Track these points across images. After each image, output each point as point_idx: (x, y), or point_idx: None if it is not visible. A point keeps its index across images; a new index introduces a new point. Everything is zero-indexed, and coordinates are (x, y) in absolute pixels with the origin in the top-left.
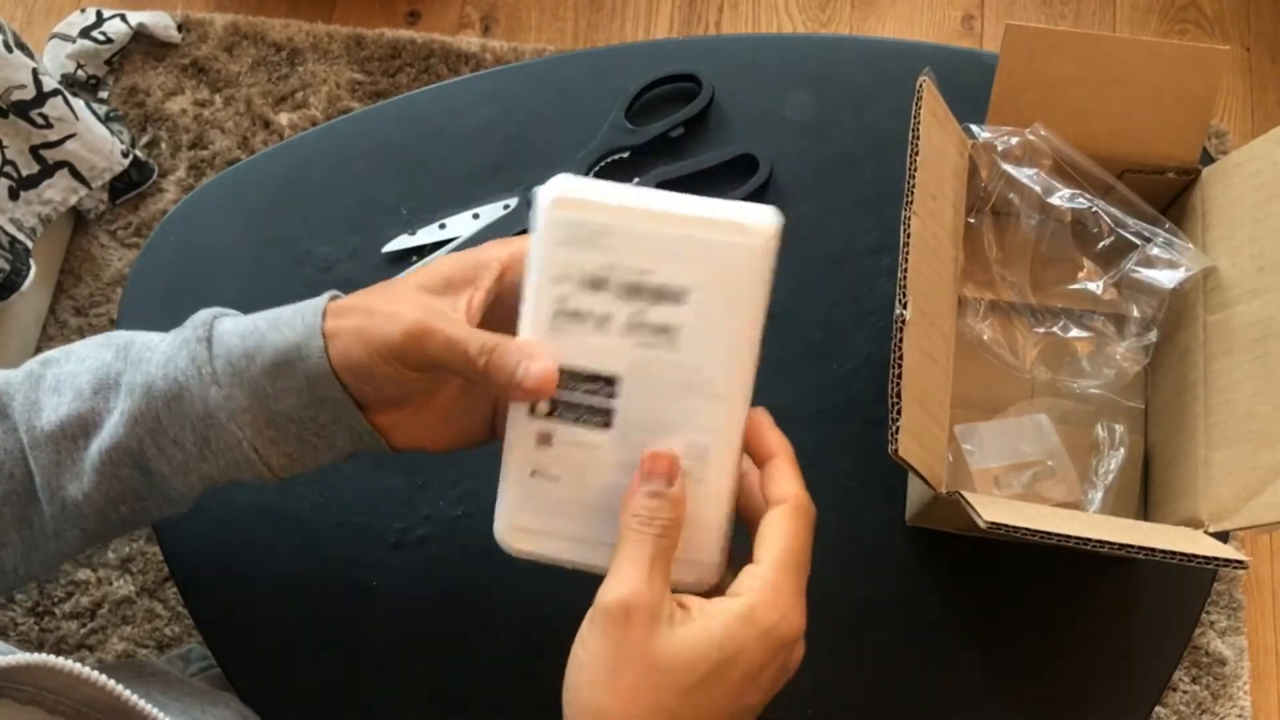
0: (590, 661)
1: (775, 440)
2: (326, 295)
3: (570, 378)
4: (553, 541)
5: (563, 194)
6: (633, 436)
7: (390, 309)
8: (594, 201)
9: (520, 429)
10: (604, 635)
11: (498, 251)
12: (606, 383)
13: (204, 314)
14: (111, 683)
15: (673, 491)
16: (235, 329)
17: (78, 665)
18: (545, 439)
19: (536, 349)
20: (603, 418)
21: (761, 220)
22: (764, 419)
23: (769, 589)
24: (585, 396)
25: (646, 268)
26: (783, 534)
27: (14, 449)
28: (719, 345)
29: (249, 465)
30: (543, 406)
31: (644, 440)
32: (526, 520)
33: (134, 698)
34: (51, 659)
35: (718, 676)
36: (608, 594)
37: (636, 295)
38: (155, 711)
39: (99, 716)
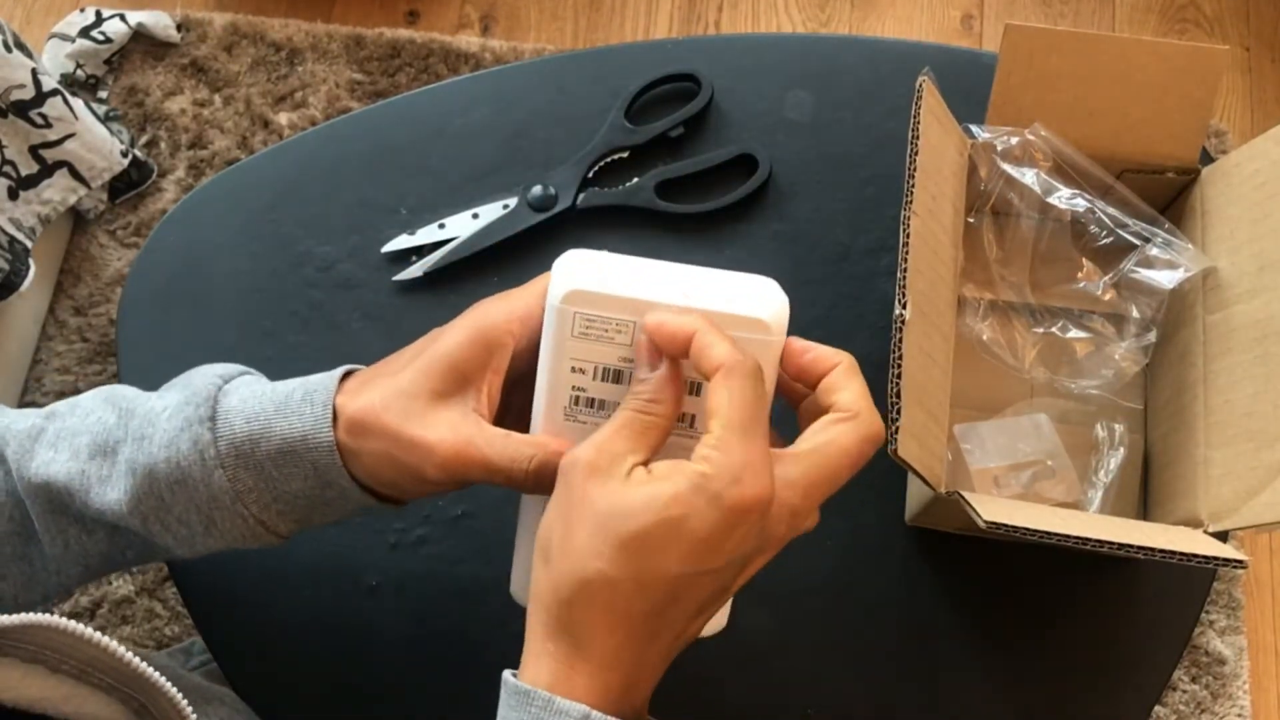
0: (548, 508)
1: (828, 352)
2: (335, 378)
3: None
4: None
5: (577, 287)
6: None
7: (415, 435)
8: (610, 296)
9: (537, 499)
10: (557, 486)
11: (504, 322)
12: None
13: (208, 384)
14: (112, 644)
15: (656, 374)
16: (241, 410)
17: (79, 625)
18: None
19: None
20: None
21: (778, 314)
22: (803, 342)
23: (725, 456)
24: None
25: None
26: (824, 437)
27: (14, 490)
28: None
29: (256, 537)
30: None
31: None
32: None
33: (134, 660)
34: (53, 619)
35: (661, 536)
36: (570, 453)
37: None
38: (150, 671)
39: (101, 677)
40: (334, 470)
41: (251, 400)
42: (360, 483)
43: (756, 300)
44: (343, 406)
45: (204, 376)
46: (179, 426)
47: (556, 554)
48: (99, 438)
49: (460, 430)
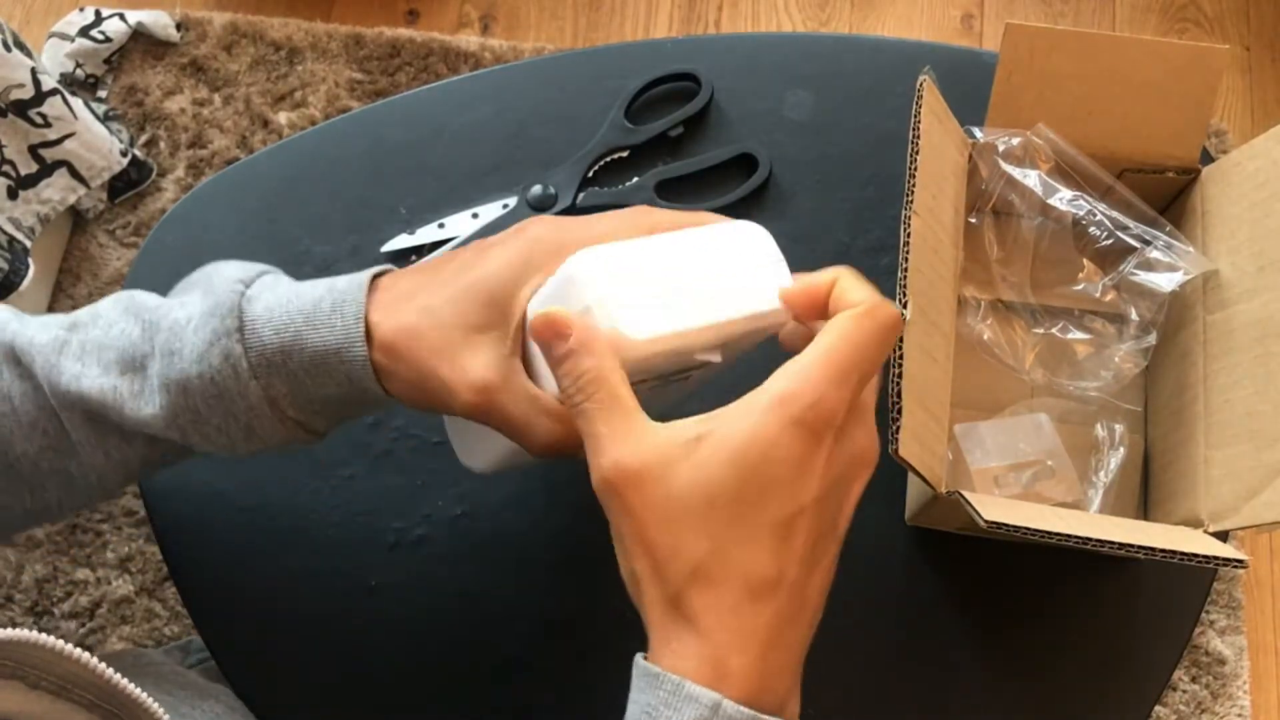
0: (615, 537)
1: (826, 272)
2: (364, 286)
3: None
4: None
5: (599, 300)
6: None
7: (443, 375)
8: (646, 347)
9: None
10: (610, 515)
11: (556, 253)
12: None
13: (229, 291)
14: (92, 659)
15: (572, 343)
16: (268, 319)
17: (58, 641)
18: None
19: None
20: None
21: (779, 289)
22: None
23: (799, 375)
24: None
25: (684, 367)
26: (835, 331)
27: (46, 405)
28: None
29: (295, 438)
30: None
31: None
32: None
33: (113, 675)
34: (31, 634)
35: (751, 480)
36: (594, 475)
37: (669, 378)
38: (133, 688)
39: (80, 693)
40: (367, 380)
41: (278, 309)
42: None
43: (759, 278)
44: (377, 325)
45: (224, 281)
46: (207, 340)
47: (643, 563)
48: (126, 353)
49: (489, 375)
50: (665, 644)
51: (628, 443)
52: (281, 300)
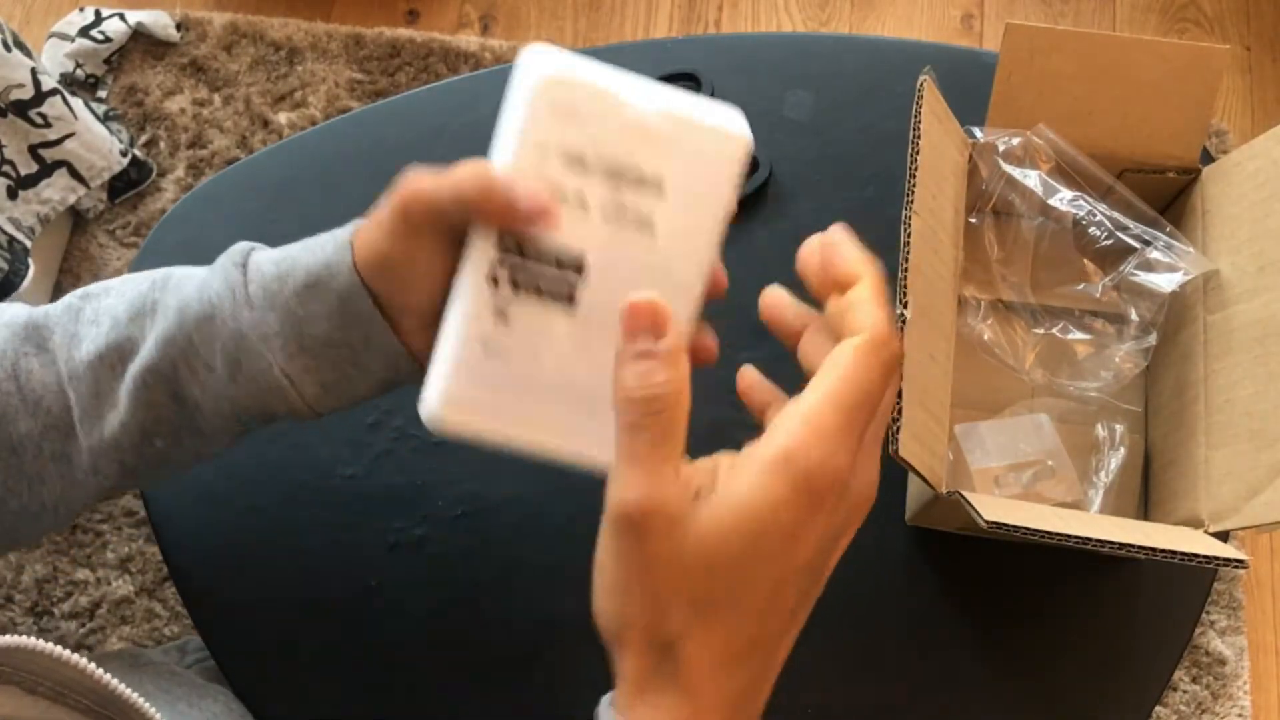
0: (611, 570)
1: (855, 262)
2: (359, 221)
3: (538, 253)
4: (494, 422)
5: (556, 73)
6: (594, 321)
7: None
8: (587, 83)
9: (475, 301)
10: (619, 547)
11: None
12: (575, 265)
13: (242, 245)
14: (90, 665)
15: (664, 346)
16: (270, 256)
17: (55, 647)
18: (502, 315)
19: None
20: (567, 299)
21: (741, 130)
22: (840, 238)
23: (807, 428)
24: (553, 273)
25: (630, 152)
26: (842, 367)
27: (52, 383)
28: (688, 240)
29: (281, 393)
30: (505, 279)
31: (605, 326)
32: (468, 395)
33: (111, 680)
34: (29, 641)
35: (752, 548)
36: (614, 498)
37: (617, 179)
38: (130, 693)
39: (77, 698)
40: (355, 295)
41: (280, 250)
42: (383, 312)
43: (721, 116)
44: (361, 244)
45: (237, 245)
46: (213, 271)
47: (640, 610)
48: (136, 304)
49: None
50: (641, 692)
51: (661, 483)
52: (286, 246)
